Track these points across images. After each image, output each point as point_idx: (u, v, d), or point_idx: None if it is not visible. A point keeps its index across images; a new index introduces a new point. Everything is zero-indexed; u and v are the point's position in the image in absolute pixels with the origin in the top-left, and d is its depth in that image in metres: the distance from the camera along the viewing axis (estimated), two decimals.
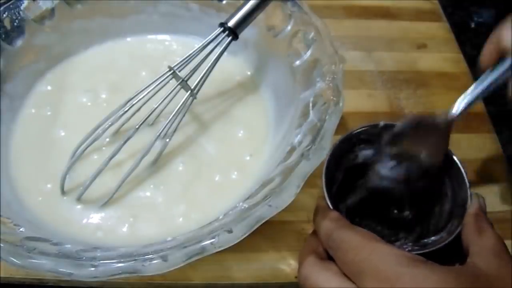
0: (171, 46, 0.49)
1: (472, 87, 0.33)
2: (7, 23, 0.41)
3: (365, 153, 0.39)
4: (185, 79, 0.38)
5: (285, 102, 0.41)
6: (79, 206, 0.37)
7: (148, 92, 0.37)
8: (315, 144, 0.32)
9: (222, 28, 0.38)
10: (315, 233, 0.32)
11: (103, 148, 0.40)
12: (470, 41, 0.59)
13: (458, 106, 0.34)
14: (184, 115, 0.39)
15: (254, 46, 0.45)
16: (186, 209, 0.37)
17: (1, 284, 0.37)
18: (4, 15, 0.41)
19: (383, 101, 0.50)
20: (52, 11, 0.44)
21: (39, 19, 0.43)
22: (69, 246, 0.31)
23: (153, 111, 0.38)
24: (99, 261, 0.28)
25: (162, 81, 0.38)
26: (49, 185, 0.38)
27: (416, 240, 0.36)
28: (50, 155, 0.40)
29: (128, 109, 0.37)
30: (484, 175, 0.44)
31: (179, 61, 0.38)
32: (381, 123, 0.38)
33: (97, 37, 0.48)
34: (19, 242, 0.29)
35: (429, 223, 0.36)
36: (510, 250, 0.38)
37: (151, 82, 0.38)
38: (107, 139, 0.41)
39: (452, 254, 0.32)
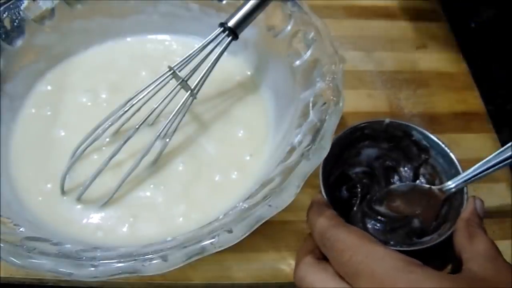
0: (171, 46, 0.49)
1: (474, 168, 0.34)
2: (7, 23, 0.41)
3: (368, 152, 0.40)
4: (185, 79, 0.38)
5: (285, 102, 0.41)
6: (79, 206, 0.37)
7: (148, 92, 0.37)
8: (315, 144, 0.32)
9: (222, 28, 0.38)
10: None
11: (103, 148, 0.40)
12: (470, 41, 0.59)
13: (456, 182, 0.35)
14: (184, 115, 0.39)
15: (254, 46, 0.45)
16: (186, 209, 0.37)
17: (1, 284, 0.37)
18: (4, 15, 0.41)
19: (383, 101, 0.50)
20: (52, 11, 0.44)
21: (39, 19, 0.43)
22: (69, 246, 0.31)
23: (153, 111, 0.38)
24: (99, 261, 0.28)
25: (162, 81, 0.38)
26: (49, 185, 0.38)
27: (406, 238, 0.36)
28: (50, 155, 0.40)
29: (128, 109, 0.37)
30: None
31: (179, 61, 0.38)
32: (387, 120, 0.38)
33: (97, 37, 0.48)
34: (19, 242, 0.29)
35: (424, 223, 0.36)
36: (510, 250, 0.39)
37: (151, 82, 0.38)
38: (107, 139, 0.41)
39: (442, 256, 0.32)
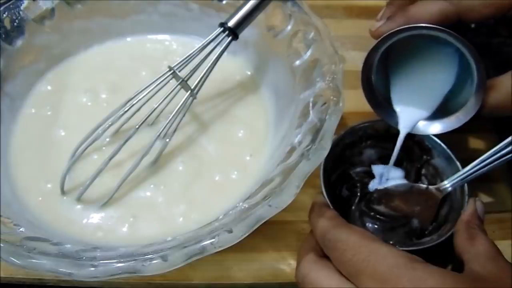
0: (171, 46, 0.49)
1: (470, 166, 0.35)
2: (7, 23, 0.41)
3: (370, 152, 0.40)
4: (185, 79, 0.38)
5: (285, 102, 0.41)
6: (79, 206, 0.37)
7: (148, 92, 0.37)
8: (315, 144, 0.32)
9: (222, 28, 0.38)
10: None
11: (103, 148, 0.40)
12: (470, 41, 0.59)
13: (453, 181, 0.36)
14: (184, 115, 0.39)
15: (254, 46, 0.45)
16: (186, 209, 0.37)
17: (1, 284, 0.37)
18: (4, 15, 0.41)
19: None
20: (52, 11, 0.44)
21: (39, 19, 0.43)
22: (69, 246, 0.31)
23: (153, 111, 0.38)
24: (99, 261, 0.28)
25: (162, 81, 0.38)
26: (49, 185, 0.38)
27: (405, 238, 0.36)
28: (50, 155, 0.40)
29: (128, 109, 0.37)
30: (484, 175, 0.44)
31: (179, 61, 0.38)
32: None
33: (97, 37, 0.48)
34: (19, 242, 0.29)
35: (422, 223, 0.36)
36: (510, 250, 0.39)
37: (151, 82, 0.38)
38: (107, 139, 0.41)
39: (442, 258, 0.32)
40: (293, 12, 0.41)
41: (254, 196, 0.32)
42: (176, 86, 0.38)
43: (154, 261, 0.28)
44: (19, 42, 0.42)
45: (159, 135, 0.37)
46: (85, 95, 0.44)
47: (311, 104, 0.36)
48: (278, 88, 0.43)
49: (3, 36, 0.41)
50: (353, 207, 0.38)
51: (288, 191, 0.30)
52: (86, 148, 0.37)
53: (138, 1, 0.47)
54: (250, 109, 0.44)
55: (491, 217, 0.39)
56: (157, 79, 0.38)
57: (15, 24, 0.42)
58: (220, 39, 0.38)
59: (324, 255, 0.31)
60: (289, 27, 0.41)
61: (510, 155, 0.33)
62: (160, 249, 0.29)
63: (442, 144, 0.37)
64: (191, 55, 0.38)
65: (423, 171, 0.39)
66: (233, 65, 0.46)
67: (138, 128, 0.36)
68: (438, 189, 0.36)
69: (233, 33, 0.38)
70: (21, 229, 0.32)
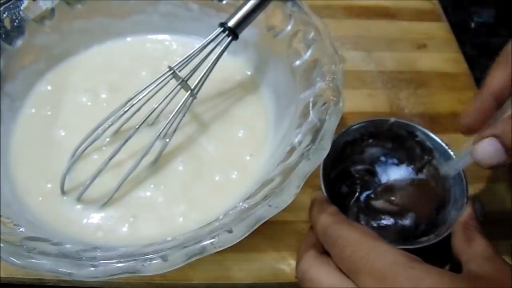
0: (171, 46, 0.49)
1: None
2: (7, 23, 0.41)
3: (371, 150, 0.40)
4: (185, 79, 0.38)
5: (285, 102, 0.41)
6: (79, 206, 0.37)
7: (148, 92, 0.37)
8: (315, 144, 0.32)
9: (222, 28, 0.38)
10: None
11: (103, 148, 0.40)
12: (470, 41, 0.59)
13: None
14: (184, 115, 0.39)
15: (254, 46, 0.45)
16: (186, 209, 0.37)
17: (1, 284, 0.37)
18: (4, 15, 0.41)
19: (383, 101, 0.50)
20: (52, 11, 0.44)
21: (39, 19, 0.43)
22: (69, 246, 0.31)
23: (153, 111, 0.38)
24: (99, 261, 0.28)
25: (162, 81, 0.38)
26: (49, 185, 0.38)
27: (403, 236, 0.36)
28: (50, 155, 0.40)
29: (128, 109, 0.37)
30: (484, 175, 0.44)
31: (179, 61, 0.38)
32: (392, 119, 0.38)
33: (97, 37, 0.48)
34: (19, 242, 0.29)
35: (420, 219, 0.37)
36: (510, 250, 0.39)
37: (151, 82, 0.38)
38: (107, 139, 0.41)
39: (439, 258, 0.33)
40: (293, 12, 0.41)
41: (254, 196, 0.32)
42: (176, 86, 0.38)
43: (154, 261, 0.28)
44: (19, 42, 0.42)
45: (159, 135, 0.37)
46: (85, 95, 0.44)
47: (311, 104, 0.36)
48: (278, 88, 0.43)
49: (3, 36, 0.41)
50: (350, 204, 0.38)
51: (288, 191, 0.30)
52: (86, 148, 0.37)
53: (138, 1, 0.47)
54: (250, 109, 0.44)
55: (491, 217, 0.39)
56: (157, 79, 0.38)
57: (15, 24, 0.42)
58: (220, 39, 0.38)
59: (324, 252, 0.31)
60: (289, 27, 0.41)
61: None
62: (160, 249, 0.29)
63: (444, 145, 0.37)
64: (191, 55, 0.38)
65: (424, 171, 0.39)
66: (233, 65, 0.46)
67: (138, 128, 0.36)
68: (436, 182, 0.36)
69: (233, 33, 0.38)
70: (21, 229, 0.32)
